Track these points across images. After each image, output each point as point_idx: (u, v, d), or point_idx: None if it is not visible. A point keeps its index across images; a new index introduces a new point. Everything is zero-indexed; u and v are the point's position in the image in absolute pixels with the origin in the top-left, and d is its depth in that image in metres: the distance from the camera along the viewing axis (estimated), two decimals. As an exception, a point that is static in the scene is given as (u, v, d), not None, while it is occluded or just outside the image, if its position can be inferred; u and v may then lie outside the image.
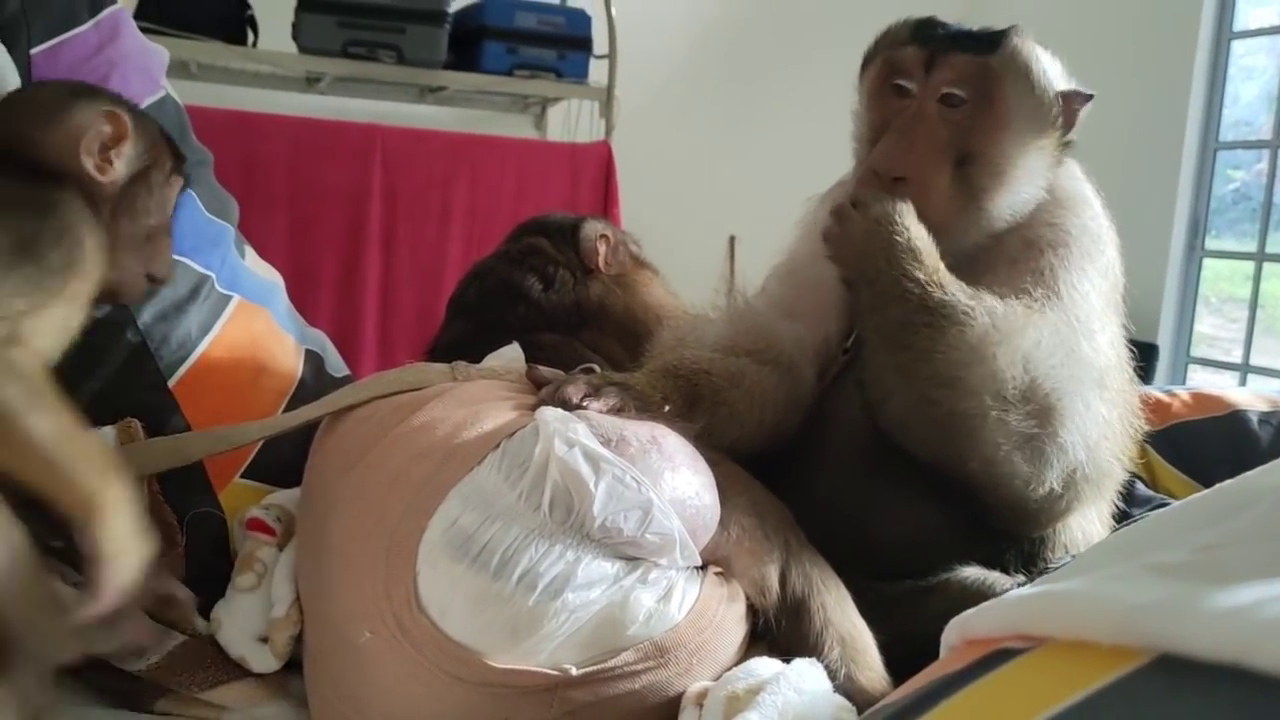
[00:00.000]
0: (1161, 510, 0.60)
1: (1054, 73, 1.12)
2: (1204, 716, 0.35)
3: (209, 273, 1.22)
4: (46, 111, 0.88)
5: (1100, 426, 1.06)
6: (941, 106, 1.10)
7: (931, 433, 1.05)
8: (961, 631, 0.52)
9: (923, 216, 1.07)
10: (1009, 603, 0.48)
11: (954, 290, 1.02)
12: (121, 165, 0.92)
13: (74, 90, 0.91)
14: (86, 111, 0.89)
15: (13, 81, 1.08)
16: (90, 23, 1.20)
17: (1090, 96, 1.13)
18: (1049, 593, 0.45)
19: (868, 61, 1.20)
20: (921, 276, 1.01)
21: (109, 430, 1.05)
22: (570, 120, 3.53)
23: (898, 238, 1.02)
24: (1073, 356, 1.04)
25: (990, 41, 1.10)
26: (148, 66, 1.29)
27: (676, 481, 0.90)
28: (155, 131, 0.96)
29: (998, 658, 0.45)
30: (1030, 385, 1.01)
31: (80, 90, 0.91)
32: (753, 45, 4.22)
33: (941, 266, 1.03)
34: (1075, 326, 1.06)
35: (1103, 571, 0.44)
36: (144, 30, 1.34)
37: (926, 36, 1.12)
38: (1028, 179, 1.11)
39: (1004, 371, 1.00)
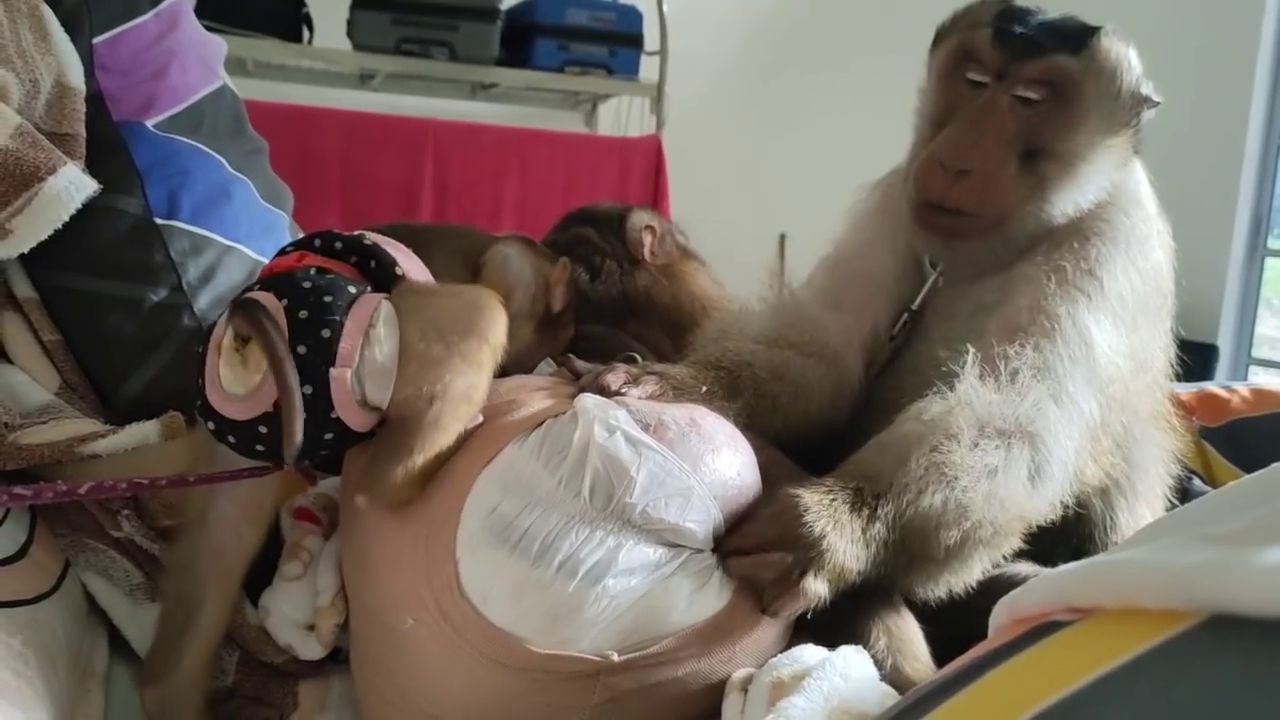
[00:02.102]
0: (1215, 490, 0.59)
1: (1137, 75, 1.08)
2: (1254, 670, 0.34)
3: (264, 260, 1.23)
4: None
5: (1095, 419, 1.02)
6: (1015, 101, 1.07)
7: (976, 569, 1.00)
8: (1010, 610, 0.51)
9: (985, 208, 1.06)
10: (1057, 575, 0.47)
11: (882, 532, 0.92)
12: (555, 300, 1.19)
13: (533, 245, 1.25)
14: (554, 262, 1.20)
15: (76, 70, 1.11)
16: (150, 13, 1.22)
17: (1157, 103, 1.10)
18: (1097, 562, 0.44)
19: (941, 37, 1.16)
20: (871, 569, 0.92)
21: (152, 425, 1.05)
22: (621, 117, 3.55)
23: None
24: (1065, 351, 1.01)
25: (1076, 40, 1.06)
26: (206, 57, 1.31)
27: (717, 463, 0.89)
28: (575, 296, 1.25)
29: (1045, 629, 0.45)
30: (1002, 433, 0.97)
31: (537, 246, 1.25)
32: (803, 43, 4.20)
33: (876, 529, 0.92)
34: (1097, 312, 1.03)
35: (1153, 544, 0.44)
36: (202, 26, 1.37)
37: (1006, 34, 1.07)
38: (1094, 176, 1.08)
39: (979, 456, 0.95)
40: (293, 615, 1.02)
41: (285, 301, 0.83)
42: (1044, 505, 0.99)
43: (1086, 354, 1.02)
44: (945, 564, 0.96)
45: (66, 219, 1.03)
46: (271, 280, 0.87)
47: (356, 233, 0.97)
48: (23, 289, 1.12)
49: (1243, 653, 0.35)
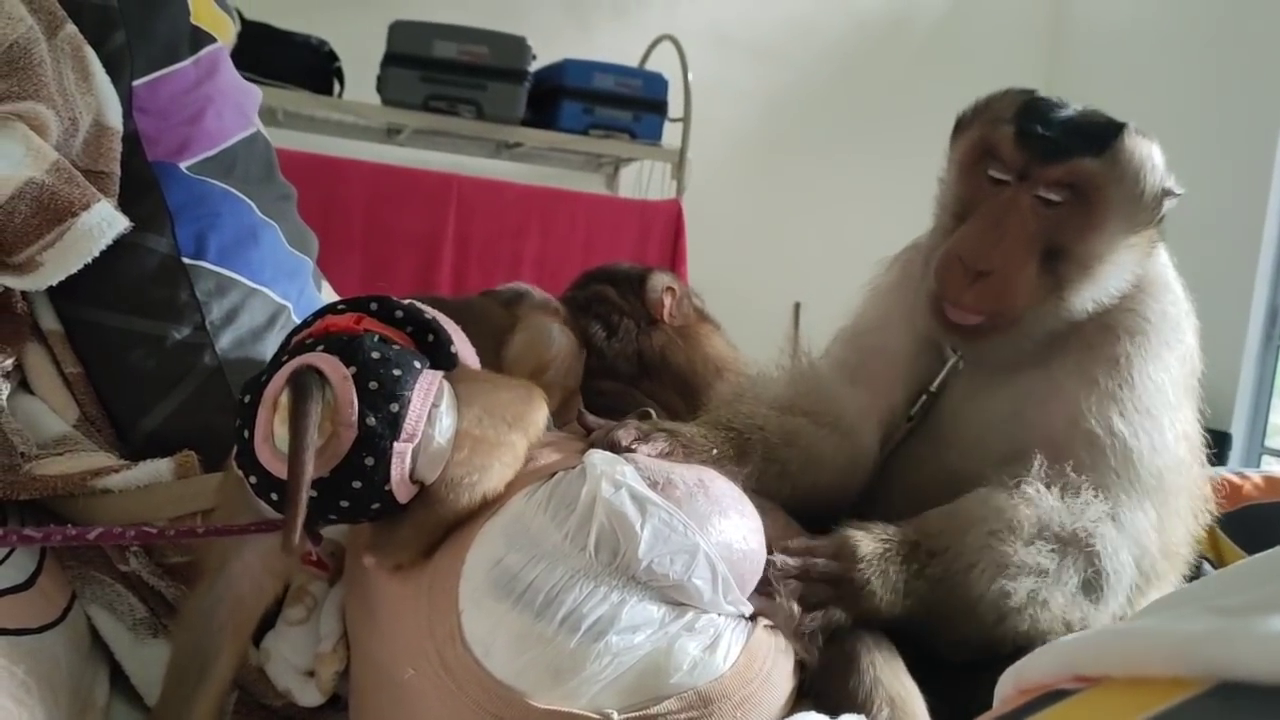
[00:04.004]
0: (1226, 566, 0.59)
1: (1160, 174, 1.07)
2: None
3: (286, 303, 1.25)
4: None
5: (1151, 532, 1.04)
6: (1036, 201, 1.06)
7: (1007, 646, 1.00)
8: (1016, 680, 0.51)
9: (1004, 306, 1.05)
10: (1063, 644, 0.47)
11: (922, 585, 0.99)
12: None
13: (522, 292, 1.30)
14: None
15: (115, 110, 1.13)
16: (190, 59, 1.25)
17: (1179, 195, 1.09)
18: (1104, 631, 0.44)
19: (961, 128, 1.16)
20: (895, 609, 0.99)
21: (165, 463, 1.06)
22: (642, 181, 3.59)
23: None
24: (1112, 469, 1.03)
25: (1099, 141, 1.05)
26: (241, 104, 1.34)
27: (723, 526, 0.89)
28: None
29: (1050, 698, 0.44)
30: (1060, 541, 1.00)
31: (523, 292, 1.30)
32: (823, 117, 4.26)
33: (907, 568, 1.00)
34: (1134, 419, 1.04)
35: (1161, 615, 0.43)
36: (236, 77, 1.39)
37: (1029, 135, 1.06)
38: (1114, 275, 1.08)
39: (1029, 561, 0.98)
40: (293, 660, 1.02)
41: (353, 369, 0.82)
42: (1097, 617, 1.01)
43: (1132, 469, 1.03)
44: (978, 634, 0.99)
45: (97, 254, 1.05)
46: (336, 343, 0.85)
47: (410, 301, 0.97)
48: (48, 321, 1.13)
49: (1251, 716, 0.34)
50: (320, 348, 0.84)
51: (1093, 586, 1.00)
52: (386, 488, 0.83)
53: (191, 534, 0.90)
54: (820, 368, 1.23)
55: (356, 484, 0.81)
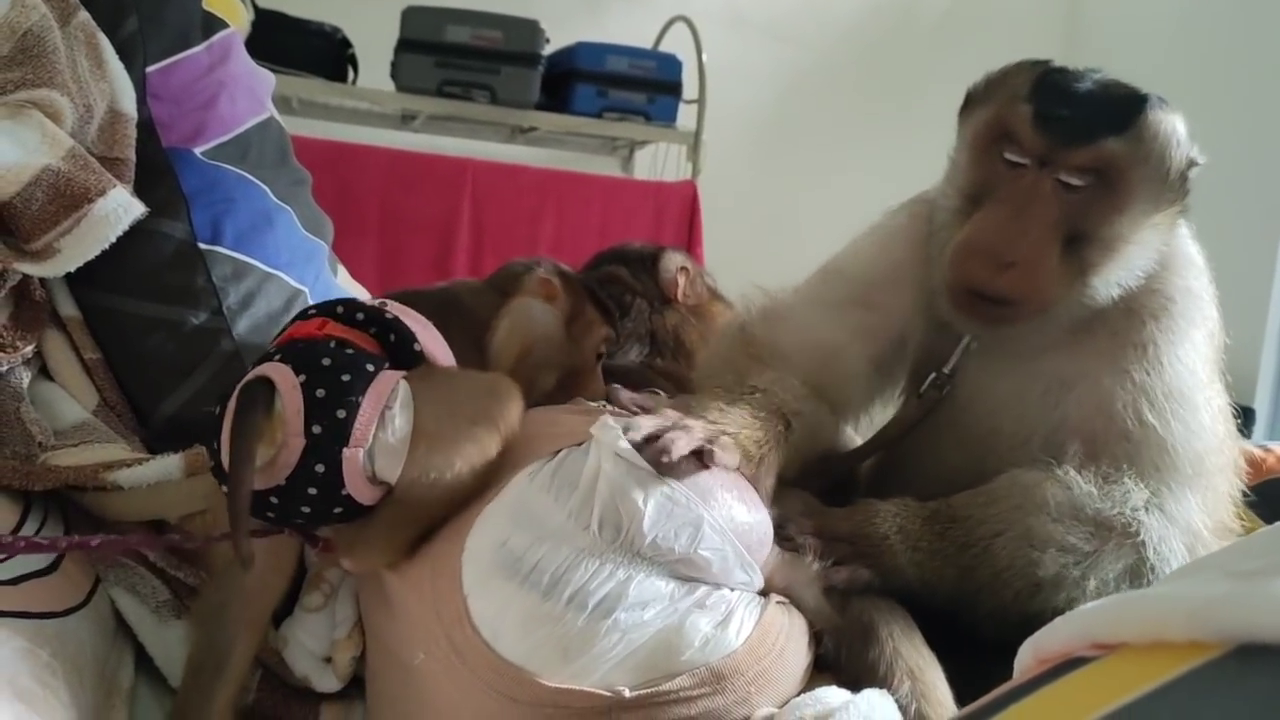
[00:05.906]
0: (1242, 538, 0.59)
1: (1184, 147, 1.03)
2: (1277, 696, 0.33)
3: (302, 287, 1.26)
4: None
5: (1199, 516, 1.03)
6: (1057, 185, 1.01)
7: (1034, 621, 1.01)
8: (1035, 649, 0.51)
9: (1031, 298, 1.03)
10: (1082, 613, 0.47)
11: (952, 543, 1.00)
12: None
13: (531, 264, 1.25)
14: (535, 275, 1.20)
15: (129, 97, 1.14)
16: (203, 45, 1.25)
17: (1201, 164, 1.06)
18: (1122, 598, 0.44)
19: (973, 103, 1.11)
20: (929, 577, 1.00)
21: (175, 460, 1.04)
22: (657, 163, 3.57)
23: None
24: (1150, 460, 1.01)
25: (1122, 118, 1.01)
26: (254, 89, 1.34)
27: (726, 497, 0.89)
28: (584, 294, 1.22)
29: (1069, 665, 0.44)
30: (1098, 525, 0.99)
31: (532, 264, 1.25)
32: (840, 97, 4.23)
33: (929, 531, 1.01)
34: (1166, 406, 1.02)
35: (1179, 582, 0.43)
36: (249, 65, 1.39)
37: (1049, 118, 1.01)
38: (1140, 255, 1.04)
39: (1065, 539, 0.98)
40: (310, 645, 1.02)
41: (303, 378, 0.83)
42: None
43: (1169, 458, 1.02)
44: (1013, 607, 0.99)
45: (114, 240, 1.05)
46: (292, 351, 0.87)
47: (378, 302, 0.98)
48: (66, 308, 1.14)
49: (1271, 676, 0.34)
50: (278, 356, 0.86)
51: (1139, 574, 0.98)
52: (344, 492, 0.83)
53: (194, 540, 0.92)
54: (839, 340, 1.17)
55: (312, 490, 0.82)
